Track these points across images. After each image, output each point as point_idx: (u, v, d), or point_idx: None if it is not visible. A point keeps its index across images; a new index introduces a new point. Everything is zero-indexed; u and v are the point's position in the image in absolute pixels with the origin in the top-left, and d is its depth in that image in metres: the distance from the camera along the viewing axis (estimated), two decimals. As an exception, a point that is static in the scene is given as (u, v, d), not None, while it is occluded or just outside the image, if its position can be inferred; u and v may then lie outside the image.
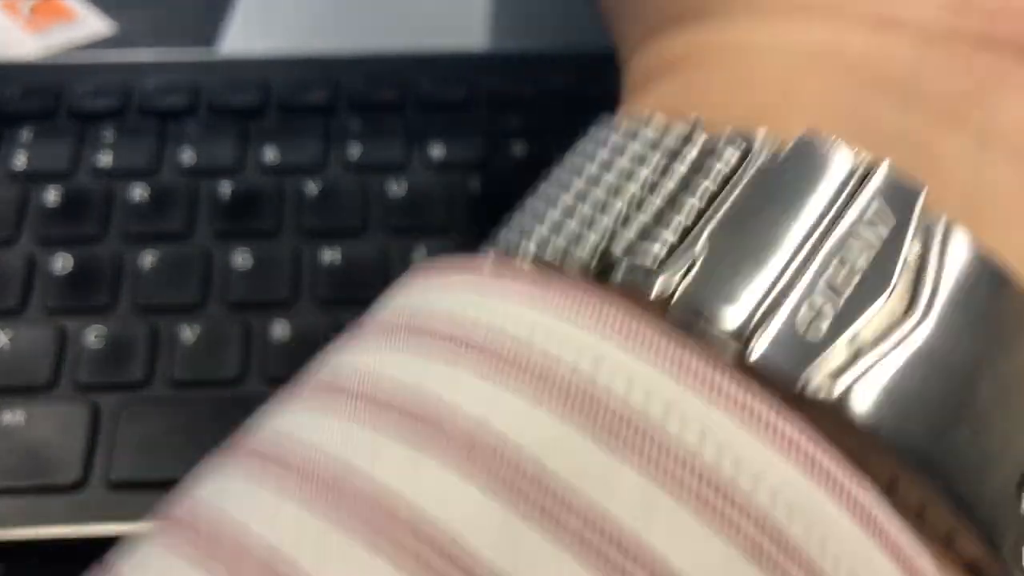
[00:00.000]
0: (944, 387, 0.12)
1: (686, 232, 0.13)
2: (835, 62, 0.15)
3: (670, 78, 0.16)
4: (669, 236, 0.12)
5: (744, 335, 0.12)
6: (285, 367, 0.28)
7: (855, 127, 0.14)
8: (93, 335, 0.29)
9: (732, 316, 0.12)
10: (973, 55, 0.15)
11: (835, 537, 0.11)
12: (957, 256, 0.13)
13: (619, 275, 0.12)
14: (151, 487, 0.26)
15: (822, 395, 0.11)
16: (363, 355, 0.13)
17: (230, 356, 0.28)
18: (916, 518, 0.12)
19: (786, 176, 0.13)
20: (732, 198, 0.13)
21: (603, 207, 0.13)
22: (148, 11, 0.37)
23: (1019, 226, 0.14)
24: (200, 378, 0.28)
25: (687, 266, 0.12)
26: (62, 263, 0.30)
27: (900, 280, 0.12)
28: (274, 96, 0.34)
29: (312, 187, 0.32)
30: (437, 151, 0.33)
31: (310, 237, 0.31)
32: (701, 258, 0.12)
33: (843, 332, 0.12)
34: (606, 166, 0.14)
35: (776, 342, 0.12)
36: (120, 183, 0.32)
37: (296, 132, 0.33)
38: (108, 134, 0.33)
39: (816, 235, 0.12)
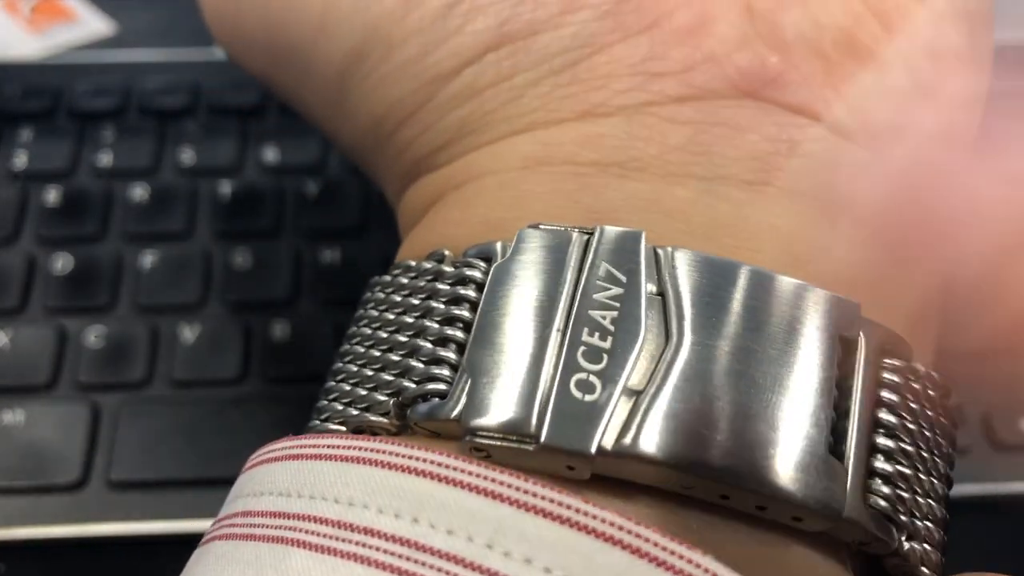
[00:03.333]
0: (719, 392, 0.13)
1: (455, 365, 0.14)
2: (552, 160, 0.16)
3: (426, 217, 0.17)
4: (443, 372, 0.14)
5: (525, 432, 0.13)
6: (285, 367, 0.28)
7: (581, 209, 0.15)
8: (93, 335, 0.29)
9: (502, 423, 0.13)
10: (677, 111, 0.16)
11: None
12: (688, 273, 0.14)
13: (414, 427, 0.14)
14: (151, 487, 0.26)
15: (618, 452, 0.12)
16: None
17: (230, 356, 0.28)
18: (758, 509, 0.13)
19: (516, 273, 0.14)
20: (478, 315, 0.14)
21: (383, 365, 0.15)
22: (148, 11, 0.37)
23: (760, 237, 0.15)
24: (200, 378, 0.28)
25: (459, 398, 0.13)
26: (62, 263, 0.30)
27: (650, 320, 0.13)
28: (274, 96, 0.34)
29: (312, 187, 0.32)
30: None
31: (310, 237, 0.31)
32: (464, 385, 0.13)
33: (615, 390, 0.13)
34: (379, 321, 0.15)
35: (556, 425, 0.12)
36: (120, 183, 0.32)
37: (296, 132, 0.33)
38: (108, 134, 0.33)
39: (559, 316, 0.13)
